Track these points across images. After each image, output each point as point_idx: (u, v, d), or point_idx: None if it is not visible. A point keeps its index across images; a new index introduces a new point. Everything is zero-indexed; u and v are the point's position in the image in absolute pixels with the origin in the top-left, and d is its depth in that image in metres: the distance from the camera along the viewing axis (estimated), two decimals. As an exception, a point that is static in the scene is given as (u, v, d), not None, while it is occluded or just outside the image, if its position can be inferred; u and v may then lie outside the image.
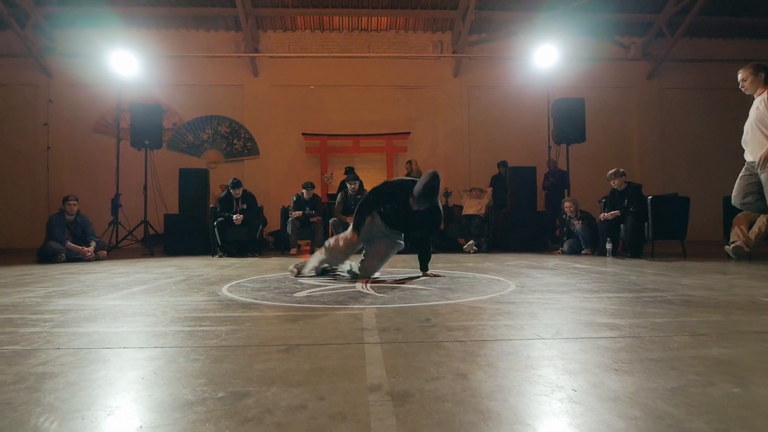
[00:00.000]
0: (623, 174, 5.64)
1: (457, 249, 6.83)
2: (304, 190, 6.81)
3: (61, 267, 4.70)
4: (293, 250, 6.58)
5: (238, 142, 9.60)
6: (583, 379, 1.13)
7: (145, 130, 7.19)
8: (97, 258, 5.62)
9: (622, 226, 5.51)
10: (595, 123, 8.52)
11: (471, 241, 6.43)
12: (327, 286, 2.93)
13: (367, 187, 7.04)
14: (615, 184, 5.64)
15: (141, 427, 0.88)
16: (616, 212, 5.49)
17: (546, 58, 7.80)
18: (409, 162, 8.55)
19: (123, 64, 7.52)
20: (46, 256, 5.33)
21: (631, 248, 5.35)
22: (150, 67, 8.57)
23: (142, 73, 8.03)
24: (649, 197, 5.44)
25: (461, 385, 1.09)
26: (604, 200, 5.85)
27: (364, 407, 0.97)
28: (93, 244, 5.69)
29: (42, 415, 0.94)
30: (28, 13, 8.63)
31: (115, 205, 7.36)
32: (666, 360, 1.30)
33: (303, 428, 0.87)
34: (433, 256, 5.60)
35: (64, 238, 5.52)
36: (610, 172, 5.68)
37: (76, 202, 5.76)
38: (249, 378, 1.15)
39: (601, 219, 5.63)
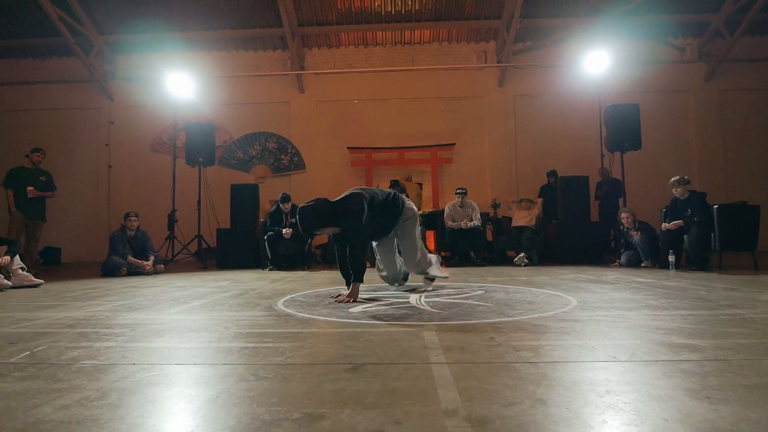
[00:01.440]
0: (688, 182, 5.32)
1: (507, 262, 6.66)
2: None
3: (123, 280, 4.94)
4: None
5: (285, 157, 9.84)
6: (673, 408, 1.05)
7: (198, 147, 7.50)
8: (155, 271, 5.87)
9: (685, 237, 5.19)
10: (650, 129, 8.15)
11: (522, 254, 6.25)
12: (381, 300, 2.91)
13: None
14: (677, 192, 5.33)
15: (223, 448, 0.88)
16: (679, 222, 5.18)
17: (596, 63, 7.55)
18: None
19: (178, 86, 7.92)
20: (110, 270, 5.61)
21: (696, 260, 5.02)
22: (203, 87, 8.96)
23: (196, 93, 8.40)
24: (715, 206, 5.12)
25: (541, 412, 1.04)
26: (665, 210, 5.55)
27: (443, 434, 0.94)
28: (152, 258, 5.94)
29: (129, 432, 0.96)
30: (92, 41, 9.28)
31: (172, 220, 7.69)
32: (763, 387, 1.19)
33: (385, 456, 0.85)
34: (483, 269, 5.53)
35: (125, 252, 5.80)
36: (673, 179, 5.37)
37: (136, 218, 6.05)
38: (321, 399, 1.14)
39: (663, 229, 5.32)
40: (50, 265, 8.18)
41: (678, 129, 9.43)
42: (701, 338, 1.74)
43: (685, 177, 5.38)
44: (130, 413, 1.07)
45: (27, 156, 6.52)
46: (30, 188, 6.26)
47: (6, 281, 4.11)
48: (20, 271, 4.38)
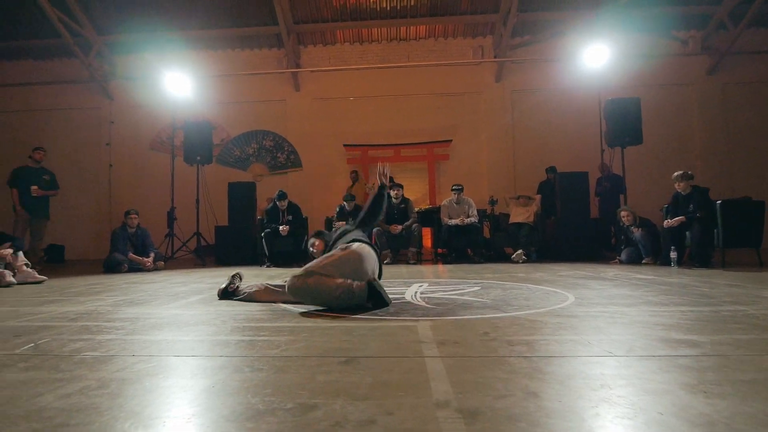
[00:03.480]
0: (691, 177, 5.30)
1: (505, 259, 6.66)
2: (345, 203, 6.87)
3: (124, 277, 4.96)
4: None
5: (281, 155, 9.84)
6: (669, 402, 1.05)
7: (196, 146, 7.50)
8: (155, 268, 5.90)
9: (687, 233, 5.17)
10: (652, 123, 8.12)
11: (519, 251, 6.25)
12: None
13: (408, 196, 7.03)
14: (680, 187, 5.31)
15: (216, 438, 0.89)
16: (681, 218, 5.17)
17: (596, 57, 7.50)
18: (355, 172, 8.81)
19: (176, 85, 7.91)
20: (111, 267, 5.65)
21: (698, 257, 5.00)
22: (200, 86, 8.94)
23: (193, 92, 8.38)
24: (718, 201, 5.09)
25: (533, 405, 1.04)
26: (666, 206, 5.53)
27: (434, 424, 0.95)
28: (152, 255, 5.98)
29: (127, 420, 0.98)
30: (91, 42, 9.28)
31: (171, 217, 7.70)
32: (761, 382, 1.19)
33: (375, 445, 0.85)
34: (480, 266, 5.53)
35: (126, 249, 5.84)
36: (676, 173, 5.35)
37: (136, 216, 6.08)
38: (314, 390, 1.15)
39: (665, 226, 5.31)
40: (54, 262, 8.22)
41: (680, 123, 9.39)
42: (700, 334, 1.74)
43: (689, 172, 5.36)
44: (129, 402, 1.09)
45: (30, 156, 6.57)
46: (34, 187, 6.32)
47: (11, 278, 4.15)
48: (25, 267, 4.42)
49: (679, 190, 5.35)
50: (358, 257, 2.53)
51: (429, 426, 0.93)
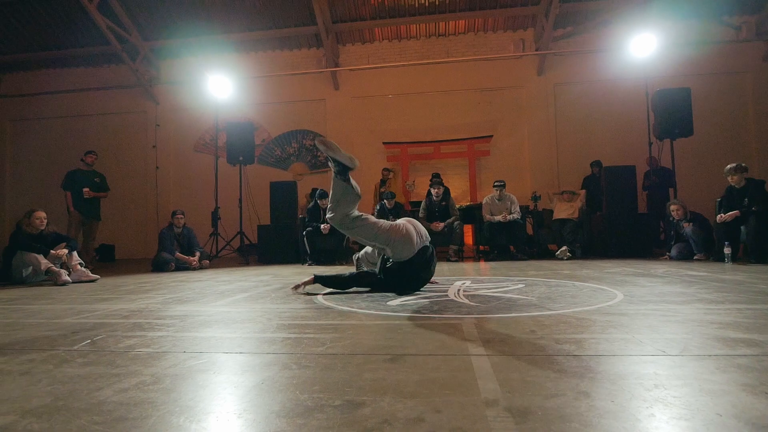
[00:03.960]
0: (745, 169, 5.01)
1: (549, 256, 6.51)
2: (385, 200, 6.88)
3: (172, 275, 5.16)
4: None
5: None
6: (728, 403, 1.00)
7: (238, 147, 7.72)
8: (201, 267, 6.12)
9: (742, 227, 4.90)
10: (703, 114, 7.74)
11: (564, 247, 6.08)
12: (419, 294, 2.91)
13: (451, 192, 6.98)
14: (733, 180, 5.03)
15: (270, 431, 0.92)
16: (735, 212, 4.89)
17: (643, 47, 7.16)
18: (386, 169, 8.65)
19: (219, 88, 8.16)
20: (159, 266, 5.89)
21: (754, 253, 4.73)
22: (242, 88, 9.19)
23: (235, 94, 8.63)
24: (774, 194, 4.80)
25: (585, 404, 1.01)
26: (719, 200, 5.25)
27: (483, 422, 0.93)
28: (197, 254, 6.19)
29: (181, 414, 1.02)
30: (138, 48, 9.73)
31: (215, 217, 7.96)
32: (830, 383, 1.11)
33: (425, 443, 0.85)
34: (523, 264, 5.42)
35: (173, 249, 6.07)
36: (729, 166, 5.07)
37: (182, 216, 6.32)
38: (361, 387, 1.16)
39: (718, 221, 5.04)
40: (105, 261, 8.68)
41: (734, 113, 8.87)
42: (760, 333, 1.65)
43: (742, 164, 5.07)
44: (183, 397, 1.13)
45: (82, 159, 6.93)
46: (86, 189, 6.65)
47: (66, 277, 4.39)
48: (79, 267, 4.67)
49: (732, 183, 5.06)
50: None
51: (478, 425, 0.92)
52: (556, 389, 1.11)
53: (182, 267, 5.97)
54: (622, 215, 6.40)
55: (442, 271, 4.67)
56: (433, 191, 6.63)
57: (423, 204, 6.76)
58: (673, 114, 6.53)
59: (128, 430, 0.94)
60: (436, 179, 6.92)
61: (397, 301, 2.63)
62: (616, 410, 0.98)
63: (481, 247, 6.97)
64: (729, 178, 5.08)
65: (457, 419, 0.95)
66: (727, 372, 1.22)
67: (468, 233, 7.61)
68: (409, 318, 2.10)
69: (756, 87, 8.83)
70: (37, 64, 10.54)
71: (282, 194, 7.34)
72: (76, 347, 1.69)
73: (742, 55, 8.80)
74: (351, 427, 0.92)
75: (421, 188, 8.50)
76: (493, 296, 2.75)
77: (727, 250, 4.79)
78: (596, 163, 7.78)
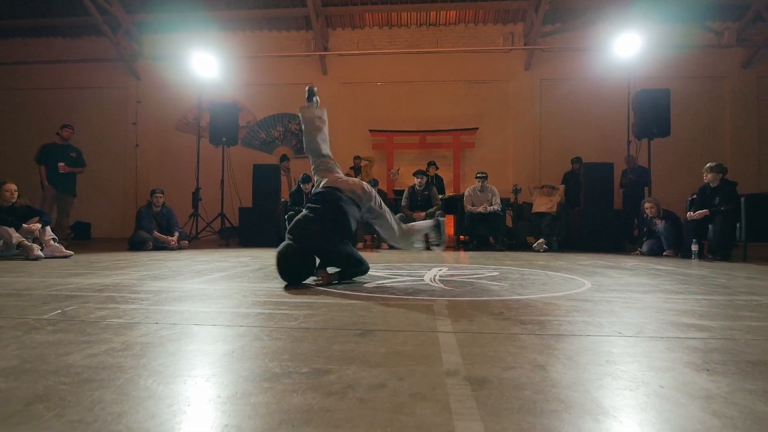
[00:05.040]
0: (724, 171, 5.15)
1: (526, 248, 6.63)
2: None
3: (149, 254, 5.12)
4: (359, 245, 6.70)
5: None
6: (671, 377, 1.08)
7: (222, 128, 7.63)
8: (179, 247, 6.07)
9: (710, 226, 5.07)
10: (681, 116, 7.92)
11: (541, 240, 6.21)
12: (395, 278, 2.96)
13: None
14: (708, 178, 5.18)
15: (236, 393, 0.95)
16: (704, 211, 5.06)
17: (627, 47, 7.29)
18: (358, 157, 8.62)
19: (203, 66, 8.02)
20: (136, 244, 5.83)
21: (719, 250, 4.91)
22: (227, 68, 9.04)
23: (220, 74, 8.49)
24: (743, 196, 4.97)
25: (540, 376, 1.07)
26: (692, 198, 5.41)
27: (442, 389, 0.98)
28: (176, 234, 6.14)
29: (150, 377, 1.04)
30: (120, 20, 9.41)
31: (196, 198, 7.87)
32: (766, 363, 1.19)
33: (385, 404, 0.90)
34: (501, 254, 5.52)
35: (151, 228, 6.00)
36: (710, 164, 5.21)
37: (162, 195, 6.24)
38: (329, 357, 1.20)
39: (688, 218, 5.20)
40: (80, 239, 8.49)
41: (711, 116, 9.11)
42: (712, 320, 1.74)
43: (723, 165, 5.23)
44: (152, 362, 1.15)
45: (57, 133, 6.75)
46: (61, 164, 6.49)
47: (39, 252, 4.33)
48: (52, 242, 4.60)
49: (707, 182, 5.22)
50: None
51: (437, 391, 0.97)
52: (514, 362, 1.17)
53: (160, 246, 5.92)
54: (599, 211, 6.55)
55: (421, 258, 4.73)
56: (416, 181, 6.68)
57: (406, 193, 6.81)
58: (652, 114, 6.68)
59: (96, 389, 0.96)
60: (419, 171, 6.93)
61: (374, 283, 2.67)
62: (568, 381, 1.04)
63: (462, 237, 7.06)
64: (705, 176, 5.22)
65: (418, 386, 1.00)
66: (675, 352, 1.29)
67: (449, 223, 7.69)
68: (383, 299, 2.15)
69: (734, 92, 9.07)
70: (12, 33, 10.13)
71: (265, 177, 7.29)
72: (45, 316, 1.70)
73: (722, 60, 9.01)
74: (316, 390, 0.96)
75: (405, 177, 8.54)
76: (467, 282, 2.81)
77: (694, 247, 4.97)
78: (577, 160, 7.91)
